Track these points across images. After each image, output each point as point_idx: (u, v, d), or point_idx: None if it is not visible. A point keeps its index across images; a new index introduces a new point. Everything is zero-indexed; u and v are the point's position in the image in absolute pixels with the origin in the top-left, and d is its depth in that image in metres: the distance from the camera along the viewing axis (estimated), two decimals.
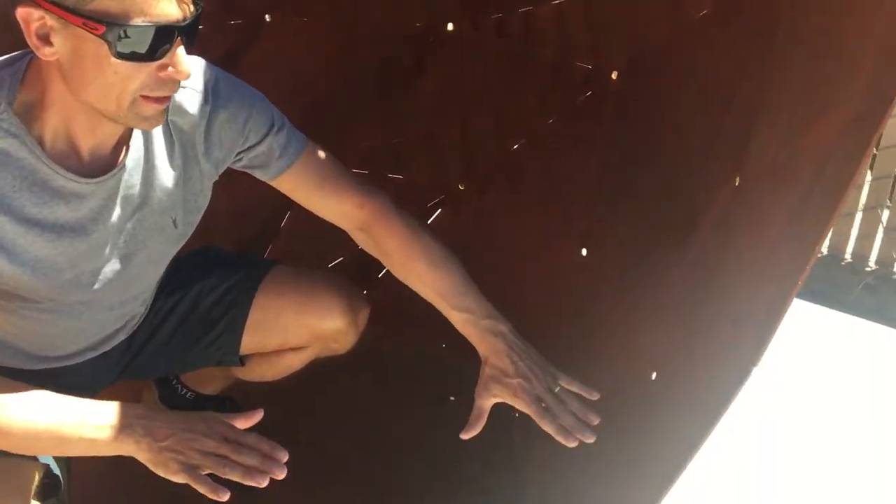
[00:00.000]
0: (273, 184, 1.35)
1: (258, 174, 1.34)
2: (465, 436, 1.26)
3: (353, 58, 2.00)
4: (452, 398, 1.99)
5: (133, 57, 0.99)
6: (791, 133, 1.25)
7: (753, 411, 1.98)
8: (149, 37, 0.98)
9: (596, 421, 1.24)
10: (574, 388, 1.26)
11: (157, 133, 1.21)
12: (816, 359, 2.21)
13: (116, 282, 1.26)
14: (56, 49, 1.00)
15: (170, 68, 1.03)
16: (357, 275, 2.12)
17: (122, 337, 1.41)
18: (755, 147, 1.36)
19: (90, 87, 1.03)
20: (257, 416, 1.13)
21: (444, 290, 1.35)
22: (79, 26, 0.97)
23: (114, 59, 0.99)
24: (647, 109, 1.69)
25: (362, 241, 1.42)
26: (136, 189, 1.20)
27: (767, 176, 1.33)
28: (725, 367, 1.24)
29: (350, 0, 1.97)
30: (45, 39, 0.99)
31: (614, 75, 1.77)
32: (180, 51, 1.03)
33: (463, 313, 1.33)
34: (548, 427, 1.22)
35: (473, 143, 2.02)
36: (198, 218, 1.32)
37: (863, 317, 2.41)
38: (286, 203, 2.06)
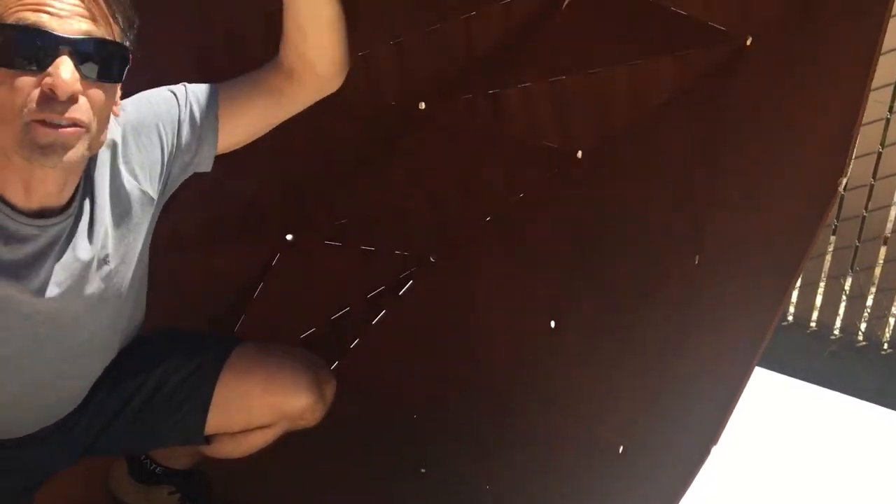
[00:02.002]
0: (222, 144, 1.34)
1: (205, 153, 1.32)
2: None
3: (328, 133, 2.04)
4: (423, 470, 2.00)
5: (8, 61, 1.01)
6: (744, 216, 1.31)
7: (721, 480, 2.00)
8: (22, 40, 1.01)
9: None
10: None
11: (103, 176, 1.21)
12: (783, 428, 2.24)
13: (57, 336, 1.23)
14: None
15: (47, 79, 1.02)
16: (329, 346, 2.14)
17: (74, 413, 1.39)
18: (712, 227, 1.42)
19: None
20: None
21: None
22: None
23: None
24: (610, 187, 1.75)
25: (300, 82, 1.36)
26: (80, 235, 1.19)
27: (723, 255, 1.38)
28: (686, 444, 1.26)
29: None
30: None
31: (579, 154, 1.83)
32: (62, 64, 1.02)
33: None
34: None
35: (444, 216, 2.07)
36: (134, 256, 1.29)
37: (829, 385, 2.45)
38: (257, 276, 2.11)
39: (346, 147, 2.08)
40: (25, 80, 1.02)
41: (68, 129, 1.05)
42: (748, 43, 1.45)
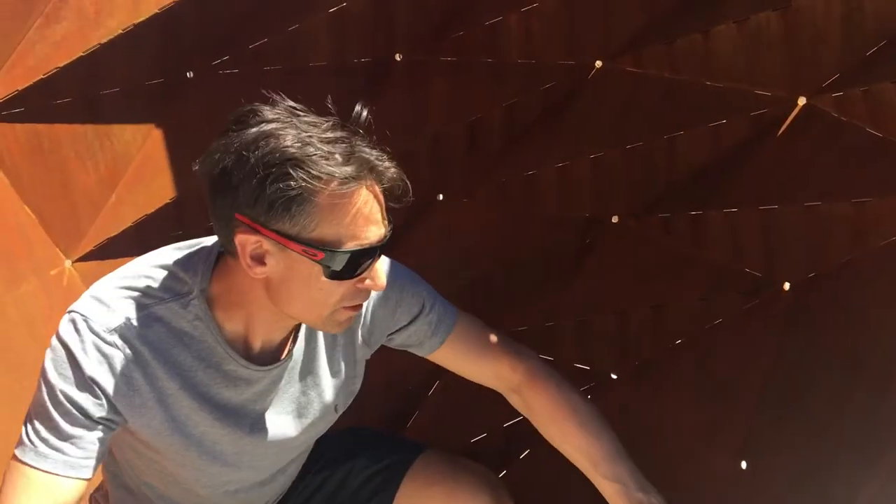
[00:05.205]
0: (429, 358, 1.40)
1: (413, 351, 1.39)
2: None
3: (518, 240, 2.05)
4: None
5: (342, 276, 1.07)
6: None
7: None
8: (357, 258, 1.07)
9: None
10: None
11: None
12: None
13: (269, 459, 1.32)
14: (268, 269, 1.08)
15: (367, 281, 1.11)
16: (499, 453, 2.10)
17: None
18: None
19: (295, 301, 1.10)
20: None
21: (595, 454, 1.32)
22: (298, 252, 1.05)
23: (323, 279, 1.07)
24: (820, 327, 1.63)
25: (517, 403, 1.44)
26: (298, 378, 1.27)
27: None
28: None
29: (520, 186, 2.05)
30: (259, 260, 1.07)
31: (786, 286, 1.73)
32: (379, 265, 1.12)
33: (614, 483, 1.29)
34: None
35: (630, 334, 2.00)
36: (351, 400, 1.38)
37: None
38: (434, 375, 2.10)
39: (536, 253, 2.08)
40: (346, 283, 1.09)
41: (360, 306, 1.15)
42: None
